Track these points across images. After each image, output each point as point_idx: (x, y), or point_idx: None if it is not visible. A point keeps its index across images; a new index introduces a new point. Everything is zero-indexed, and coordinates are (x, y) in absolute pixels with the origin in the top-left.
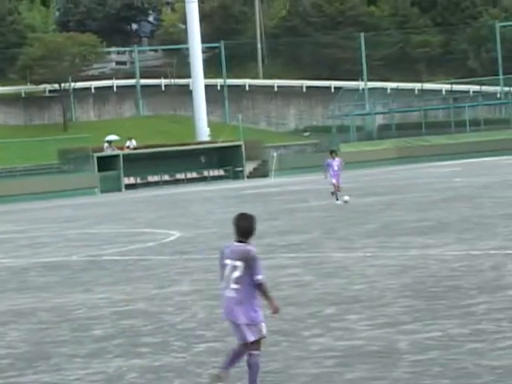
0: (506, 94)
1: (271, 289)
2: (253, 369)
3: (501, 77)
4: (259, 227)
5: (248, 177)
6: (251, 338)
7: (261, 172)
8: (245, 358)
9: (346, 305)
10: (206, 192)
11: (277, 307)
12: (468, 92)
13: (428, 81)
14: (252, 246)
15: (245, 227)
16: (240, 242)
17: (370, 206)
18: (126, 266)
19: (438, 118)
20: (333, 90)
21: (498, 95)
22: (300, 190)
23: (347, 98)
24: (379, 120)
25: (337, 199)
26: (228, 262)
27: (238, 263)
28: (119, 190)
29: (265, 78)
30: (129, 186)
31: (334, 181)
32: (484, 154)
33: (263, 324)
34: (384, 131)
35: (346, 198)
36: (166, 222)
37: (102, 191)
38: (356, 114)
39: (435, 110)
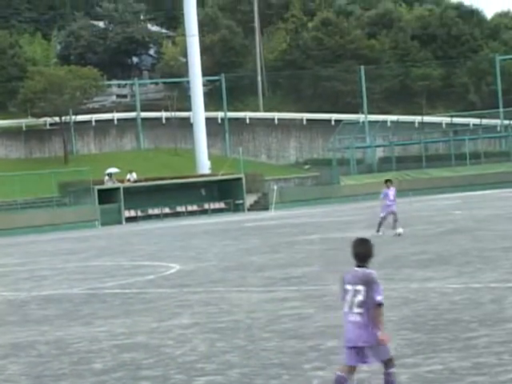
0: (506, 127)
1: (272, 322)
2: None
3: (501, 110)
4: (259, 260)
5: (248, 209)
6: (384, 356)
7: (261, 205)
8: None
9: None
10: (206, 225)
11: (386, 336)
12: (468, 125)
13: (428, 114)
14: (372, 270)
15: (362, 252)
16: (359, 266)
17: (371, 239)
18: (126, 299)
19: (438, 151)
20: (333, 122)
21: (498, 128)
22: (300, 223)
23: (347, 130)
24: (379, 153)
25: (378, 231)
26: (349, 287)
27: (360, 287)
28: (120, 222)
29: (265, 110)
30: (129, 219)
31: (392, 209)
32: (484, 187)
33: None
34: (384, 164)
35: (401, 230)
36: (167, 255)
37: (103, 224)
38: (356, 147)
39: (435, 143)
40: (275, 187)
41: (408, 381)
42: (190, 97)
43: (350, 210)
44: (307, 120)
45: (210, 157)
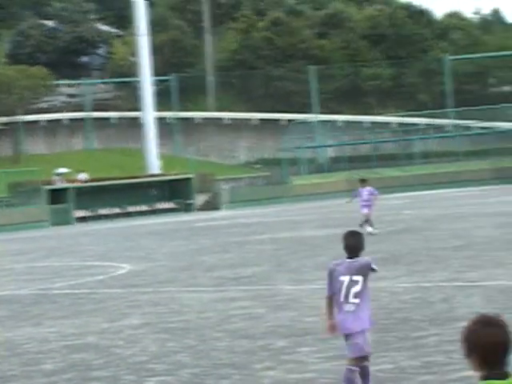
0: (455, 126)
1: (222, 322)
2: (368, 378)
3: (450, 110)
4: (210, 260)
5: (199, 209)
6: (369, 349)
7: (212, 205)
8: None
9: (297, 337)
10: (156, 225)
11: None
12: (418, 125)
13: (379, 113)
14: (367, 257)
15: (354, 244)
16: (350, 258)
17: (322, 239)
18: (76, 300)
19: (388, 151)
20: (284, 122)
21: (448, 128)
22: (251, 223)
23: (298, 130)
24: (330, 153)
25: (362, 227)
26: (344, 278)
27: (358, 278)
28: (70, 223)
29: (216, 110)
30: (79, 219)
31: (365, 211)
32: (434, 187)
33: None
34: (335, 164)
35: (370, 229)
36: (117, 255)
37: (53, 224)
38: (307, 147)
39: (386, 143)
40: (225, 187)
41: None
42: (139, 97)
43: (300, 210)
44: (258, 120)
45: (161, 157)
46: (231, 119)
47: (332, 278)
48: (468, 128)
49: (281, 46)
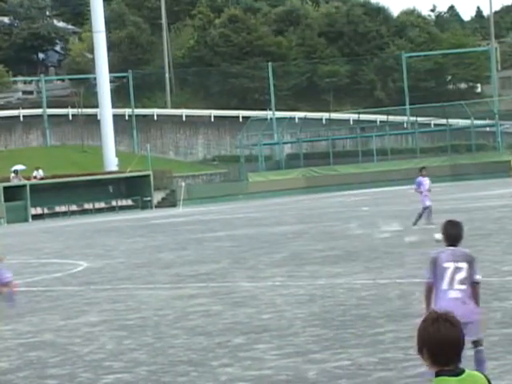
0: (413, 123)
1: (180, 319)
2: (484, 364)
3: (407, 107)
4: (167, 257)
5: (156, 206)
6: (481, 334)
7: (169, 202)
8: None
9: (254, 334)
10: (114, 222)
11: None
12: (375, 122)
13: (335, 110)
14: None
15: (455, 233)
16: (451, 245)
17: (279, 236)
18: (33, 297)
19: (345, 148)
20: (241, 119)
21: (405, 125)
22: (209, 220)
23: (255, 127)
24: (287, 149)
25: (414, 224)
26: (449, 264)
27: (463, 265)
28: (26, 220)
29: (173, 107)
30: (36, 217)
31: (427, 203)
32: (391, 184)
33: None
34: (292, 161)
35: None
36: (74, 253)
37: (9, 222)
38: (264, 144)
39: (343, 140)
40: (183, 184)
41: (316, 376)
42: (96, 93)
43: (257, 207)
44: (215, 117)
45: (118, 154)
46: (188, 116)
47: (436, 264)
48: (425, 125)
49: (238, 42)
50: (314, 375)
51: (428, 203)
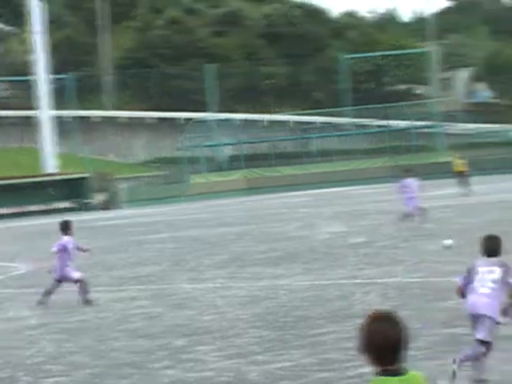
0: (353, 125)
1: (121, 322)
2: (481, 366)
3: (347, 108)
4: (109, 259)
5: (97, 208)
6: (491, 338)
7: (110, 204)
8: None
9: (196, 336)
10: (54, 224)
11: None
12: (315, 123)
13: (276, 112)
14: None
15: (494, 247)
16: (489, 256)
17: (221, 237)
18: None
19: (287, 149)
20: (182, 121)
21: (346, 126)
22: (150, 222)
23: (196, 129)
24: (229, 151)
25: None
26: (482, 269)
27: (496, 268)
28: None
29: (113, 109)
30: None
31: (413, 205)
32: (333, 185)
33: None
34: (234, 162)
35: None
36: (14, 256)
37: None
38: (205, 146)
39: (284, 141)
40: (124, 186)
41: (258, 378)
42: (36, 95)
43: (199, 209)
44: (156, 119)
45: (58, 156)
46: (128, 118)
47: (471, 270)
48: (366, 126)
49: (178, 44)
50: (255, 376)
51: (412, 206)
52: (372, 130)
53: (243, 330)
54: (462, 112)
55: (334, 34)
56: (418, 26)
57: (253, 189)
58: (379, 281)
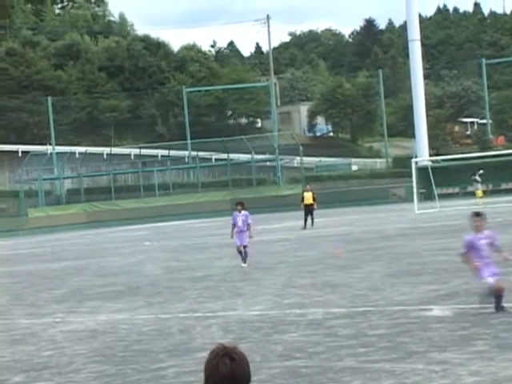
0: (194, 158)
1: None
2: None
3: (188, 141)
4: None
5: None
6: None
7: None
8: None
9: (34, 372)
10: None
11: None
12: (157, 156)
13: (117, 145)
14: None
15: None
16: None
17: (60, 271)
18: None
19: (127, 182)
20: (20, 154)
21: (186, 159)
22: None
23: (35, 162)
24: (68, 184)
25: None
26: (483, 241)
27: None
28: None
29: None
30: None
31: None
32: (174, 218)
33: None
34: (73, 196)
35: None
36: None
37: None
38: (44, 179)
39: (125, 174)
40: None
41: None
42: None
43: (37, 243)
44: None
45: None
46: None
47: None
48: (206, 159)
49: (16, 76)
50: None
51: (239, 242)
52: (213, 164)
53: (82, 365)
54: (302, 145)
55: (175, 67)
56: (259, 60)
57: (92, 222)
58: (219, 314)
